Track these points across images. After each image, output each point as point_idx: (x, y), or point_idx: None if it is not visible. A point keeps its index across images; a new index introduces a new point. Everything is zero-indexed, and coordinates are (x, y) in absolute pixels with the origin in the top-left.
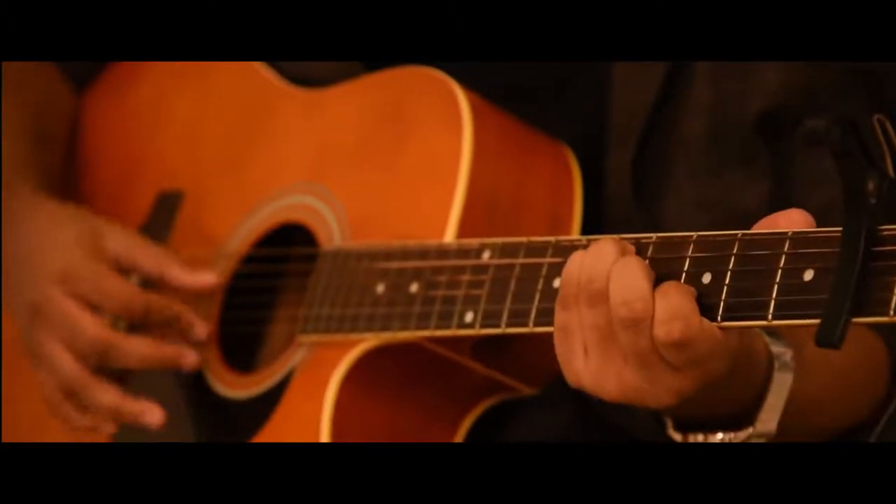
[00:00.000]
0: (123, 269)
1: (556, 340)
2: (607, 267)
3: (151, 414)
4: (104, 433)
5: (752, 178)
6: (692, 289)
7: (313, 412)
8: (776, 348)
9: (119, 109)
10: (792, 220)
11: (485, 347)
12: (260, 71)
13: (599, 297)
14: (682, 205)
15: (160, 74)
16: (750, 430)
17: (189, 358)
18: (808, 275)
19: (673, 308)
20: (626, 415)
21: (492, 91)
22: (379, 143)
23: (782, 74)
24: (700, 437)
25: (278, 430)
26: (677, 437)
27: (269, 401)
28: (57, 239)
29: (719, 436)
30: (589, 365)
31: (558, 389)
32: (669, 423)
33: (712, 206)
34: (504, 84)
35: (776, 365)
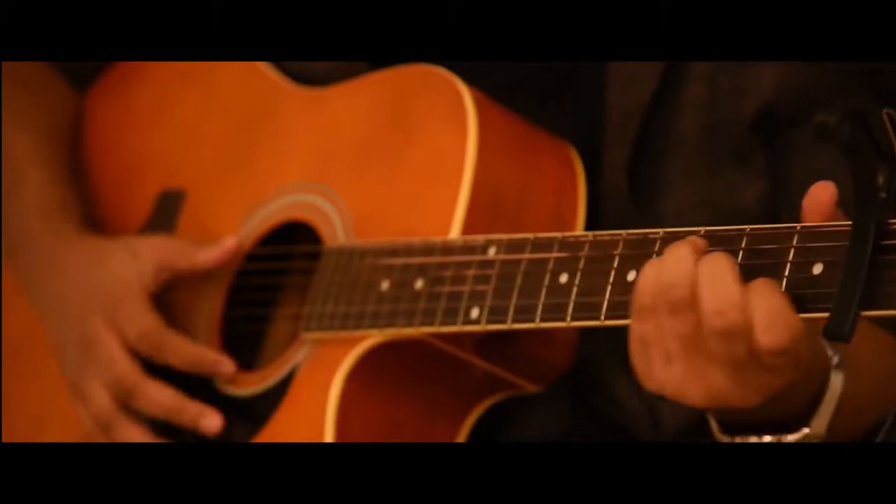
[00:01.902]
0: (165, 280)
1: (633, 351)
2: (688, 272)
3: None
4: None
5: (747, 177)
6: (781, 284)
7: (317, 409)
8: (830, 350)
9: (122, 109)
10: (817, 200)
11: (489, 344)
12: (263, 70)
13: (682, 305)
14: (677, 203)
15: (163, 74)
16: (805, 430)
17: (210, 420)
18: (818, 268)
19: (773, 312)
20: (626, 414)
21: (492, 89)
22: (383, 140)
23: (777, 73)
24: (752, 439)
25: (282, 427)
26: (724, 439)
27: (273, 398)
28: (99, 272)
29: (767, 438)
30: (672, 373)
31: (559, 388)
32: (715, 426)
33: (708, 205)
34: (501, 83)
35: (835, 361)
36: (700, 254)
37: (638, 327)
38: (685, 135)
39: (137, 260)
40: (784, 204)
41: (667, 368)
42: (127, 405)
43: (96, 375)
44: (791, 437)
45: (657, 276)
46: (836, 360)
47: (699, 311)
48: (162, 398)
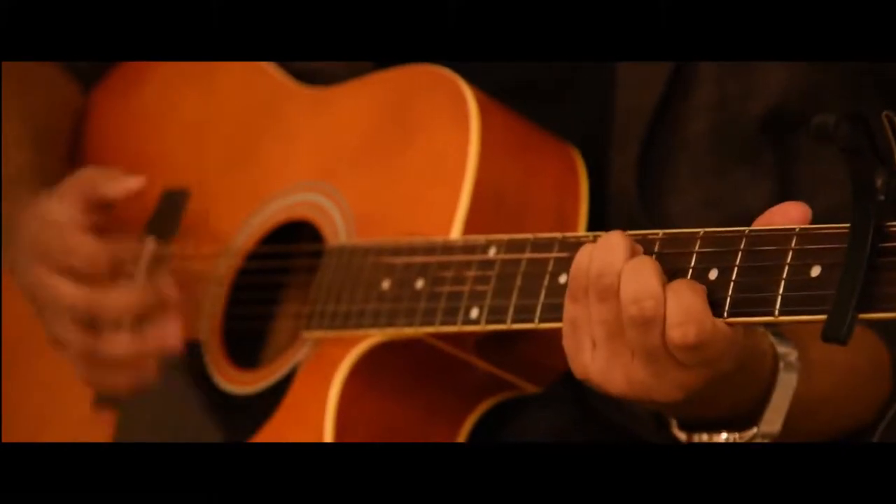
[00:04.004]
0: (90, 213)
1: (565, 332)
2: (618, 261)
3: (173, 336)
4: (152, 376)
5: (755, 178)
6: (704, 287)
7: (317, 408)
8: (782, 348)
9: (126, 107)
10: (788, 216)
11: (489, 344)
12: (266, 69)
13: (609, 292)
14: (685, 204)
15: (168, 73)
16: (754, 430)
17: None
18: (816, 271)
19: (686, 309)
20: (626, 414)
21: (495, 90)
22: (385, 140)
23: (786, 74)
24: (705, 437)
25: (282, 426)
26: (682, 436)
27: (274, 397)
28: (31, 223)
29: (724, 436)
30: (596, 359)
31: (559, 388)
32: (674, 423)
33: (716, 206)
34: (507, 83)
35: (781, 365)
36: (631, 247)
37: (570, 309)
38: (694, 136)
39: (61, 199)
40: None
41: (592, 354)
42: (98, 325)
43: (55, 316)
44: (743, 436)
45: (589, 260)
46: (791, 359)
47: (619, 298)
48: (124, 298)
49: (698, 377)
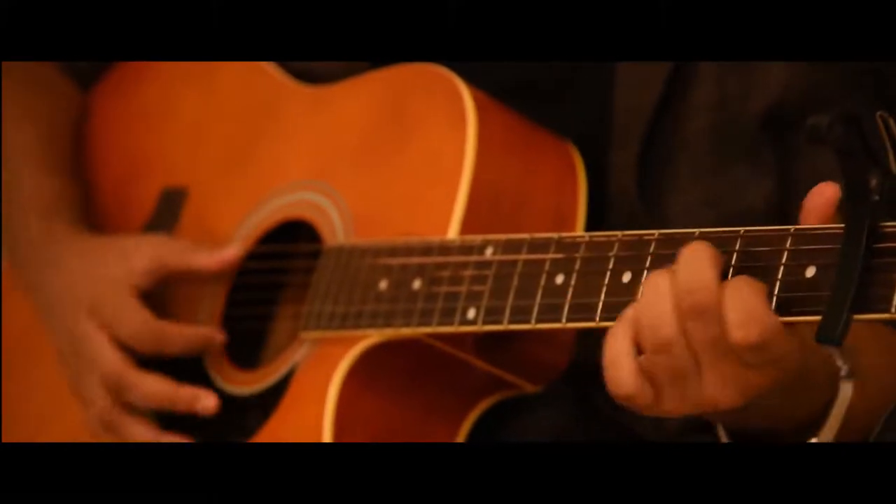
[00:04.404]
0: (156, 279)
1: (633, 386)
2: (713, 278)
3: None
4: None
5: (756, 176)
6: (763, 285)
7: (316, 409)
8: (839, 361)
9: (125, 107)
10: (824, 195)
11: (487, 344)
12: (266, 68)
13: (709, 313)
14: (685, 202)
15: (167, 72)
16: (813, 440)
17: (206, 401)
18: (810, 271)
19: (746, 306)
20: (628, 413)
21: (494, 89)
22: (383, 139)
23: (786, 72)
24: None
25: (281, 426)
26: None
27: (272, 397)
28: (89, 271)
29: None
30: (706, 385)
31: (560, 386)
32: (723, 435)
33: (716, 204)
34: (506, 81)
35: (843, 373)
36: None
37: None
38: (694, 135)
39: (128, 258)
40: (791, 203)
41: (699, 381)
42: (122, 401)
43: (90, 375)
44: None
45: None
46: (845, 370)
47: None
48: (154, 389)
49: (764, 377)
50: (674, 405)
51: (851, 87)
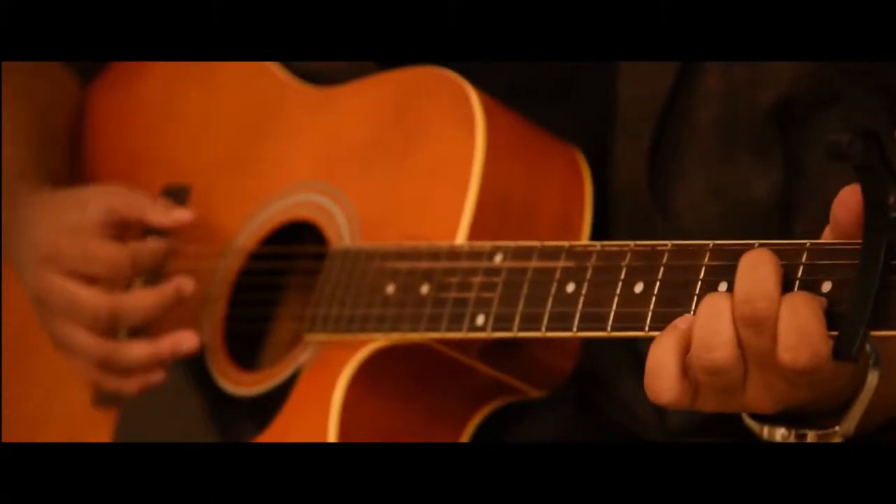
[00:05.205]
0: (114, 227)
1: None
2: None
3: (188, 340)
4: (161, 378)
5: (763, 167)
6: (823, 302)
7: (320, 412)
8: (867, 347)
9: (127, 104)
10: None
11: (494, 350)
12: (270, 68)
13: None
14: (693, 193)
15: (169, 70)
16: (836, 428)
17: (188, 342)
18: (826, 286)
19: (801, 329)
20: (629, 414)
21: (496, 89)
22: (390, 142)
23: (795, 65)
24: (780, 433)
25: (284, 428)
26: (754, 427)
27: (276, 399)
28: (42, 224)
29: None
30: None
31: (562, 389)
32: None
33: (723, 195)
34: (510, 78)
35: (871, 360)
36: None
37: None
38: (702, 125)
39: (84, 207)
40: (800, 194)
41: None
42: (118, 328)
43: (68, 322)
44: (814, 435)
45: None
46: (873, 357)
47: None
48: (146, 300)
49: (799, 392)
50: (709, 407)
51: (860, 78)
